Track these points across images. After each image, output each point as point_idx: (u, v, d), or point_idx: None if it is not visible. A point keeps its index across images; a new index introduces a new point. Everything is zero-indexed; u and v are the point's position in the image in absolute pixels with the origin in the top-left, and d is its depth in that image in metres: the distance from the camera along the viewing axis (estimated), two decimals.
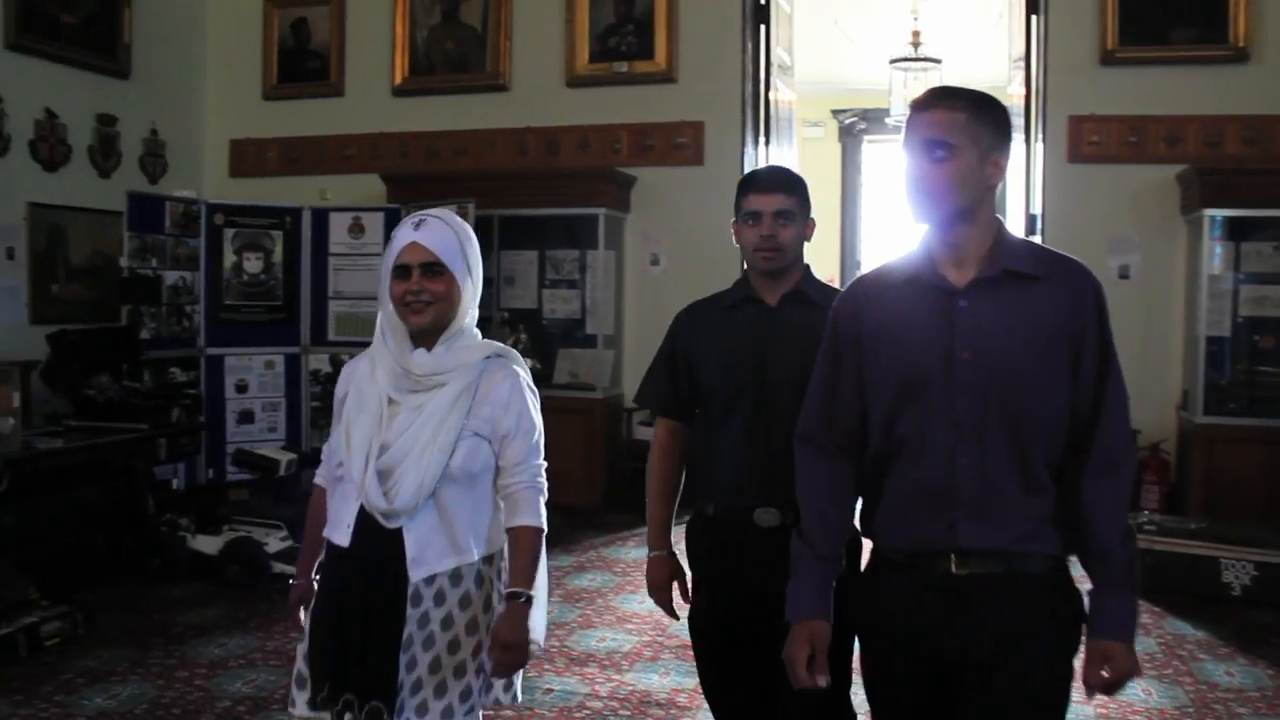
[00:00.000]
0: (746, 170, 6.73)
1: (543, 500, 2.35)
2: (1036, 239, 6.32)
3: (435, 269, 2.26)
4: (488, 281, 8.25)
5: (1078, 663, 1.97)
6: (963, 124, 1.91)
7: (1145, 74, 6.53)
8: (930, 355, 1.94)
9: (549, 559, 6.01)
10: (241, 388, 6.94)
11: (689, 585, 2.69)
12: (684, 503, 2.72)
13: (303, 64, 8.19)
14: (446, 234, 2.29)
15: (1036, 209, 6.82)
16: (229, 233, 6.96)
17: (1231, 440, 6.05)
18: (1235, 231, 6.29)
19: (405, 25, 7.89)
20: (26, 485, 4.94)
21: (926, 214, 1.97)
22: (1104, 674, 1.93)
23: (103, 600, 4.94)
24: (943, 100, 1.96)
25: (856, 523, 2.18)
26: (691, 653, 2.73)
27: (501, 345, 2.40)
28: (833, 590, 2.08)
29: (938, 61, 9.00)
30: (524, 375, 2.38)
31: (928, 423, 1.94)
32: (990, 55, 8.56)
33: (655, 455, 2.73)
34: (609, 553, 6.02)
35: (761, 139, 7.31)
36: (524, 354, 7.40)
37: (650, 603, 2.76)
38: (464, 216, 6.86)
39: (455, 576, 2.27)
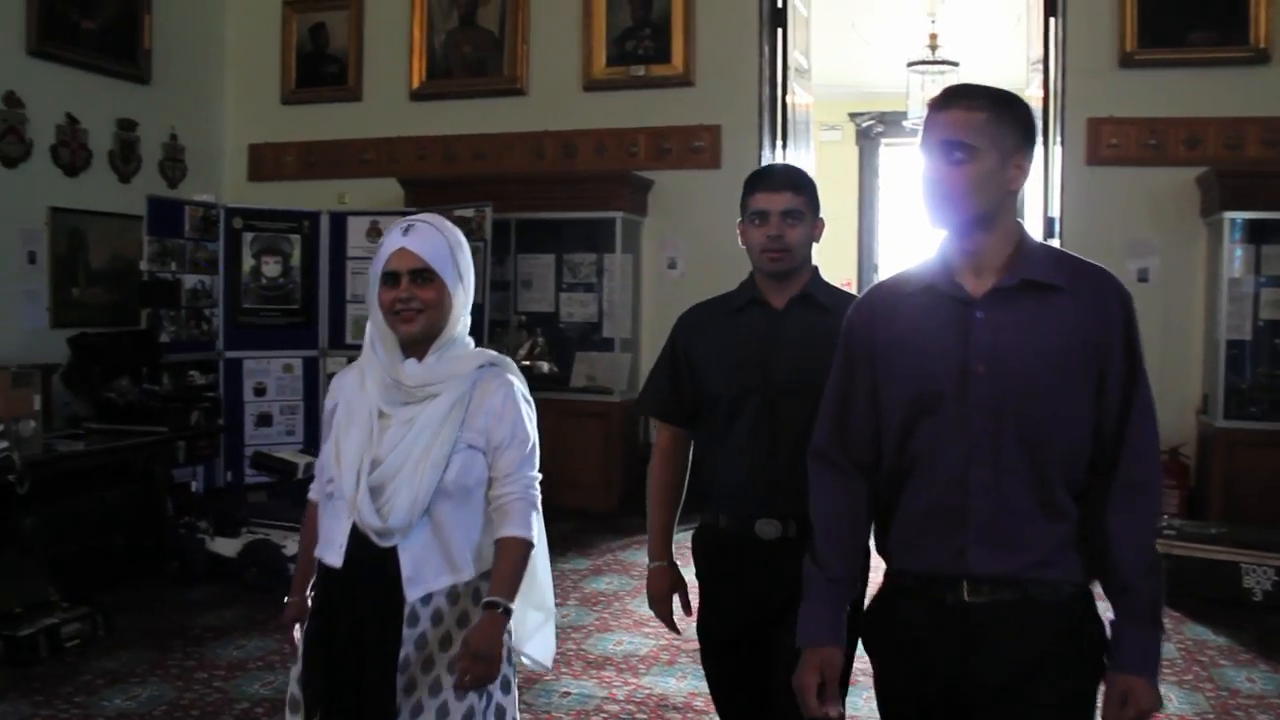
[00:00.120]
0: None
1: (535, 513, 2.25)
2: (1055, 243, 6.28)
3: (425, 275, 2.17)
4: (505, 285, 8.21)
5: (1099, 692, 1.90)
6: (983, 124, 1.81)
7: (1164, 76, 6.49)
8: (944, 368, 1.85)
9: (566, 562, 6.01)
10: (260, 391, 6.98)
11: (689, 597, 2.62)
12: (689, 509, 2.64)
13: (321, 68, 8.23)
14: (437, 239, 2.20)
15: (1055, 212, 6.79)
16: (247, 237, 7.00)
17: (1252, 444, 6.01)
18: (1256, 234, 6.26)
19: (423, 29, 7.92)
20: (47, 487, 4.97)
21: (944, 219, 1.87)
22: (1125, 710, 1.82)
23: (122, 602, 4.96)
24: (962, 99, 1.85)
25: (872, 543, 2.10)
26: None
27: (495, 354, 2.32)
28: (845, 614, 2.00)
29: (955, 64, 8.98)
30: (518, 385, 2.29)
31: (940, 439, 1.85)
32: (1008, 58, 8.53)
33: (656, 462, 2.65)
34: (626, 556, 6.01)
35: (779, 142, 7.31)
36: (541, 357, 7.55)
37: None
38: (481, 220, 6.91)
39: (452, 594, 2.19)
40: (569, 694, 4.04)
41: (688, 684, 4.13)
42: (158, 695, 3.98)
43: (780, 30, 7.28)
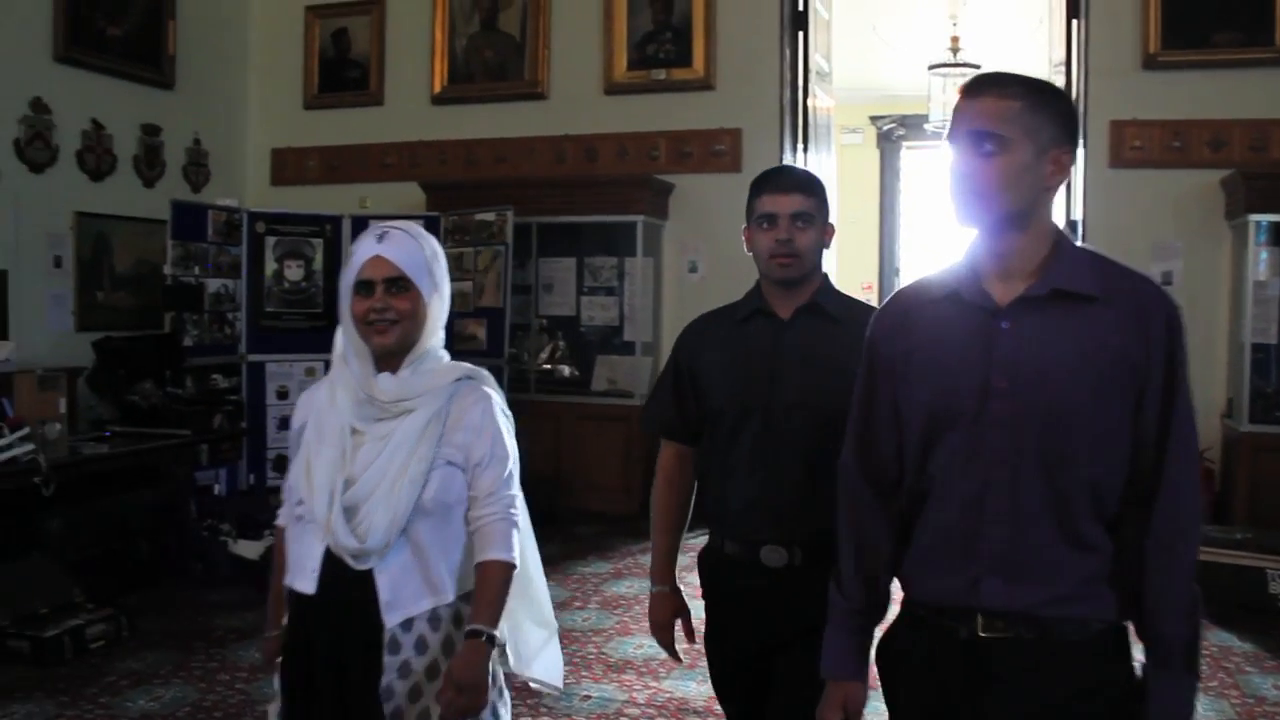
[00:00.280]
0: None
1: (516, 534, 2.15)
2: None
3: (401, 285, 2.07)
4: (526, 288, 8.21)
5: None
6: (1017, 114, 1.66)
7: (1188, 78, 6.45)
8: (963, 383, 1.70)
9: (587, 566, 6.01)
10: (282, 394, 7.01)
11: (692, 624, 2.51)
12: (696, 522, 2.51)
13: (343, 73, 8.27)
14: (412, 247, 2.10)
15: (1078, 215, 6.75)
16: (270, 241, 7.04)
17: (1277, 449, 5.96)
18: None
19: (444, 34, 7.94)
20: (72, 490, 5.01)
21: (972, 216, 1.72)
22: None
23: (146, 603, 5.00)
24: (995, 86, 1.69)
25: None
26: None
27: (471, 366, 2.22)
28: (869, 646, 1.88)
29: (977, 67, 8.91)
30: (497, 398, 2.20)
31: (956, 460, 1.71)
32: (1030, 60, 8.47)
33: (660, 482, 2.52)
34: (646, 560, 5.95)
35: (800, 146, 7.29)
36: (562, 361, 7.55)
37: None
38: (502, 224, 6.93)
39: (434, 619, 2.09)
40: (589, 697, 4.04)
41: (708, 688, 4.10)
42: (180, 697, 4.01)
43: (801, 33, 7.27)
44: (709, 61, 7.31)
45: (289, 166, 8.42)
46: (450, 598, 2.11)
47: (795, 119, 7.28)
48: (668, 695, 4.06)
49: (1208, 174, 6.42)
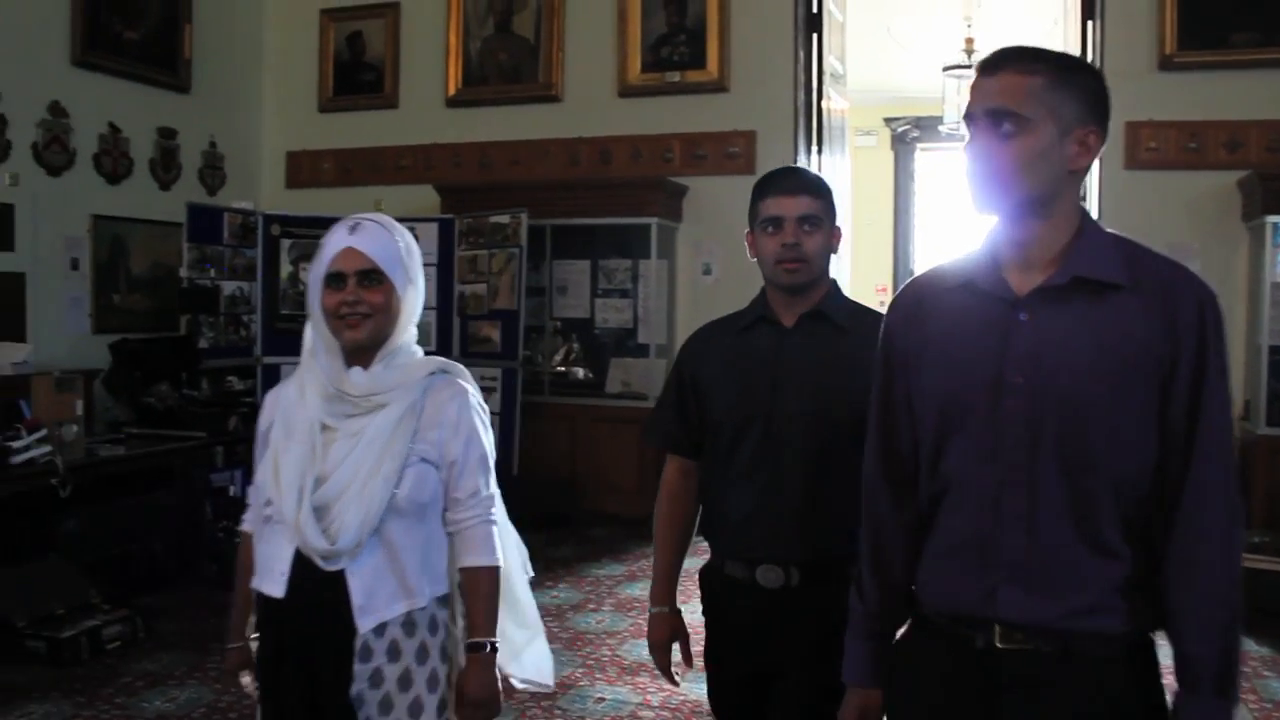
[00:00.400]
0: None
1: (497, 533, 2.10)
2: None
3: (373, 277, 2.01)
4: (540, 291, 8.20)
5: None
6: (1039, 91, 1.54)
7: (1204, 78, 6.42)
8: (977, 378, 1.60)
9: (601, 568, 5.99)
10: None
11: (690, 647, 2.42)
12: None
13: (358, 76, 8.29)
14: (385, 238, 2.04)
15: (1093, 216, 6.72)
16: (285, 243, 7.06)
17: None
18: None
19: (459, 37, 7.96)
20: (89, 491, 5.04)
21: (990, 202, 1.61)
22: None
23: (162, 605, 5.02)
24: (1015, 61, 1.57)
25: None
26: None
27: (445, 360, 2.16)
28: (887, 652, 1.80)
29: None
30: (473, 393, 2.13)
31: (971, 460, 1.61)
32: None
33: (662, 498, 2.40)
34: None
35: (814, 148, 7.28)
36: (576, 363, 7.55)
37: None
38: (517, 226, 6.94)
39: (408, 624, 2.00)
40: (603, 699, 4.04)
41: None
42: (196, 698, 4.02)
43: (815, 35, 7.26)
44: (723, 64, 7.30)
45: (304, 169, 8.45)
46: (425, 601, 2.03)
47: (809, 121, 7.27)
48: (681, 698, 4.06)
49: (1224, 175, 6.39)
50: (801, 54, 7.22)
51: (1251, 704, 4.01)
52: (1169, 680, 1.61)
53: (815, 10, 7.23)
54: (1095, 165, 6.87)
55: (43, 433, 4.77)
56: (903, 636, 1.80)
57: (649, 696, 4.07)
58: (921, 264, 11.57)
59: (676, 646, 2.40)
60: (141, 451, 5.48)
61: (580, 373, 7.53)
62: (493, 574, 2.08)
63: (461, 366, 2.17)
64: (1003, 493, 1.58)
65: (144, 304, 7.18)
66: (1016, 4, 8.62)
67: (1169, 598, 1.55)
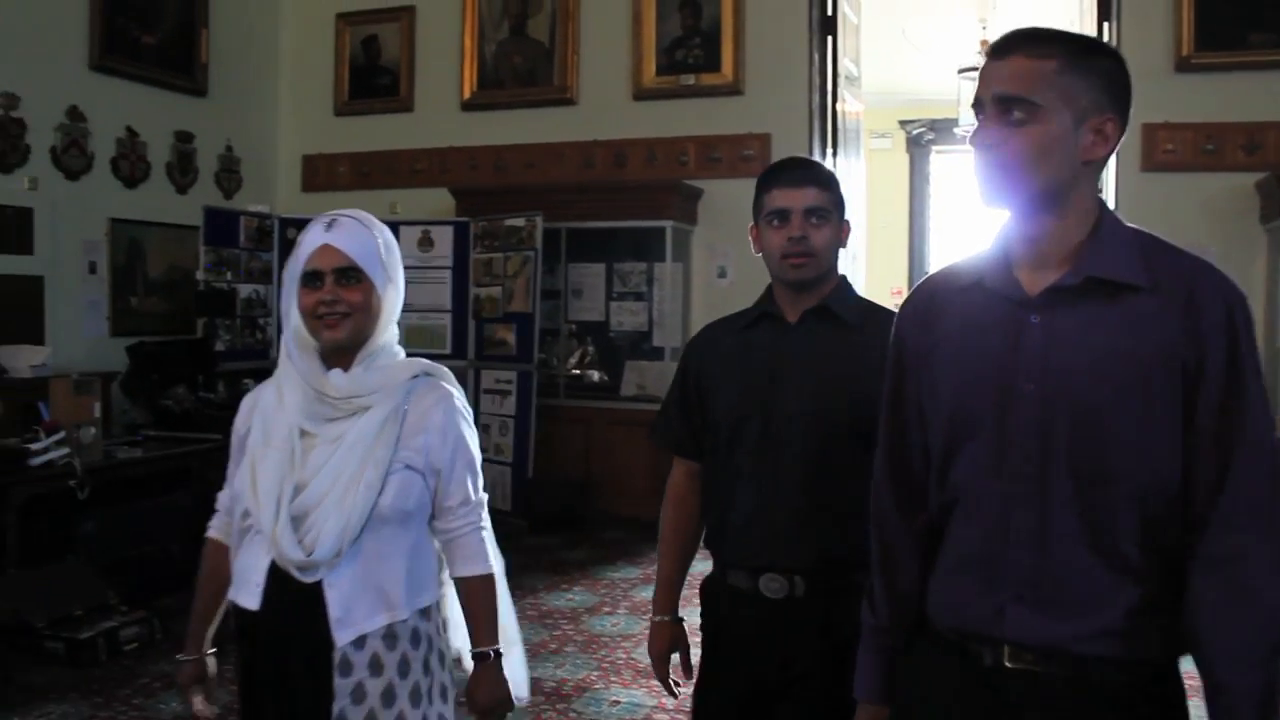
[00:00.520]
0: None
1: (490, 539, 2.04)
2: None
3: (352, 275, 1.93)
4: (555, 294, 8.19)
5: None
6: (1051, 75, 1.43)
7: (1222, 80, 6.39)
8: (986, 384, 1.50)
9: (616, 571, 5.98)
10: None
11: (690, 659, 2.33)
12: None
13: (373, 80, 8.32)
14: (363, 235, 1.96)
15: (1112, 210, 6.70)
16: None
17: None
18: None
19: (473, 40, 7.98)
20: (107, 493, 5.06)
21: (999, 195, 1.50)
22: None
23: (179, 606, 5.02)
24: (1026, 44, 1.46)
25: None
26: None
27: (429, 362, 2.07)
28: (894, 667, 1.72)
29: None
30: (458, 396, 2.05)
31: (979, 471, 1.51)
32: None
33: (668, 503, 2.33)
34: None
35: (829, 151, 7.28)
36: (591, 366, 7.54)
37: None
38: (532, 229, 6.95)
39: (389, 637, 1.92)
40: (618, 702, 4.04)
41: None
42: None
43: (830, 38, 7.25)
44: (738, 66, 7.30)
45: (320, 173, 8.48)
46: (407, 614, 1.94)
47: (824, 124, 7.26)
48: None
49: (1242, 177, 6.35)
50: (816, 56, 7.21)
51: None
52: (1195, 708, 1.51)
53: (830, 13, 7.22)
54: (1111, 166, 6.87)
55: (61, 435, 4.80)
56: (906, 649, 1.70)
57: (664, 700, 4.06)
58: (937, 267, 11.54)
59: (676, 656, 2.33)
60: (159, 454, 5.50)
61: (595, 376, 7.53)
62: (488, 582, 2.04)
63: (445, 369, 2.10)
64: (1013, 506, 1.48)
65: (161, 307, 7.22)
66: (1032, 5, 8.59)
67: (1200, 620, 1.41)
